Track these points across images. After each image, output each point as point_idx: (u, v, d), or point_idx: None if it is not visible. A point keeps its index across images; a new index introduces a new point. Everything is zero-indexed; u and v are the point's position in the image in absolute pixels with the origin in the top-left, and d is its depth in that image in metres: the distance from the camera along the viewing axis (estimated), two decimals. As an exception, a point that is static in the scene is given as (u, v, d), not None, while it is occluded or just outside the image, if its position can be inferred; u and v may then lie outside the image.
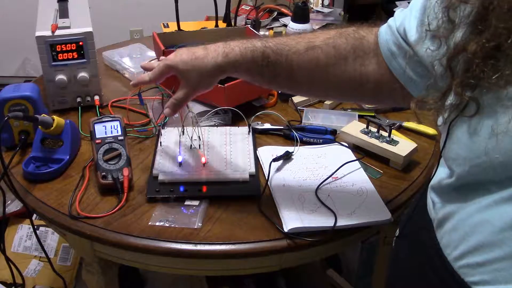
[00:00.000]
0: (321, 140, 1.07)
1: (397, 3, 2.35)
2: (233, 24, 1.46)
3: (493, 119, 0.48)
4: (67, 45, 1.10)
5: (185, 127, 1.06)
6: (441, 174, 0.60)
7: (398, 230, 0.75)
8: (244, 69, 0.78)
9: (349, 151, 1.03)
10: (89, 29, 1.12)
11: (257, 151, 1.03)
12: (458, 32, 0.52)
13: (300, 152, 1.03)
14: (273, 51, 0.76)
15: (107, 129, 0.98)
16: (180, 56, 0.81)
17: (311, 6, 1.71)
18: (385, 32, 0.70)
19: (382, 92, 0.74)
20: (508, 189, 0.48)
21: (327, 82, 0.76)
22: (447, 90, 0.53)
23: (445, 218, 0.57)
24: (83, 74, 1.14)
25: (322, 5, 1.72)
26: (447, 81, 0.53)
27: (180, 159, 0.98)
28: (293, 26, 1.26)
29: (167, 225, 0.85)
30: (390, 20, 0.70)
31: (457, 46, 0.51)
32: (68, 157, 0.99)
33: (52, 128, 0.97)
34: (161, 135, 1.06)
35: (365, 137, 1.03)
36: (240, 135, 1.07)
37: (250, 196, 0.91)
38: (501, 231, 0.49)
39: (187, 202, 0.90)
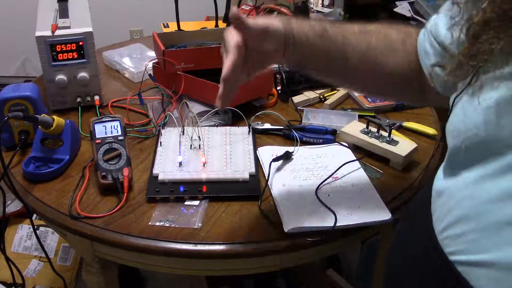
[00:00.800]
0: (321, 140, 1.07)
1: (397, 3, 2.36)
2: (233, 24, 1.45)
3: (485, 94, 0.50)
4: (67, 45, 1.11)
5: (185, 127, 1.06)
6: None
7: (399, 223, 0.75)
8: (303, 35, 0.75)
9: (349, 151, 1.03)
10: (89, 29, 1.12)
11: (257, 151, 1.03)
12: (471, 2, 0.53)
13: (300, 152, 1.03)
14: (330, 26, 0.76)
15: (107, 129, 0.98)
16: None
17: (311, 6, 1.71)
18: (422, 33, 0.72)
19: (420, 92, 0.76)
20: (491, 165, 0.51)
21: (377, 70, 0.77)
22: (459, 63, 0.55)
23: (438, 195, 0.60)
24: (83, 74, 1.14)
25: (322, 5, 1.73)
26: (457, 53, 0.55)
27: (180, 159, 0.98)
28: (293, 26, 1.26)
29: (167, 225, 0.85)
30: (427, 22, 0.72)
31: (469, 16, 0.53)
32: (68, 157, 0.99)
33: (52, 128, 0.97)
34: (161, 135, 1.06)
35: (365, 137, 1.03)
36: (240, 135, 1.07)
37: (250, 196, 0.91)
38: (481, 204, 0.51)
39: (187, 202, 0.90)
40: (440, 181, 0.61)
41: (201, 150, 1.01)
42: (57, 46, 1.10)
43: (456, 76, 0.55)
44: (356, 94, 1.23)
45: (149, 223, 0.85)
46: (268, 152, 1.02)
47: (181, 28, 1.39)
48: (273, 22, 0.74)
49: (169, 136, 1.06)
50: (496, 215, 0.49)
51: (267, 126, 1.12)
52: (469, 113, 0.52)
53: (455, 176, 0.57)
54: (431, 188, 0.67)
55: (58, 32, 1.10)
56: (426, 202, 0.66)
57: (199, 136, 1.04)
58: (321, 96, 1.24)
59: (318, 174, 0.96)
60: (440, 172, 0.63)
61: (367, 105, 1.19)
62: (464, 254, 0.53)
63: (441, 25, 0.67)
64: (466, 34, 0.53)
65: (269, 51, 0.75)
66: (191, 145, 1.03)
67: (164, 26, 1.53)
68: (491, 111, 0.49)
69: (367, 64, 0.76)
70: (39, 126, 0.98)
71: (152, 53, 1.43)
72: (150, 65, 1.25)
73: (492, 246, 0.50)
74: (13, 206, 1.61)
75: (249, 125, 1.08)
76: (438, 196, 0.60)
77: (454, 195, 0.56)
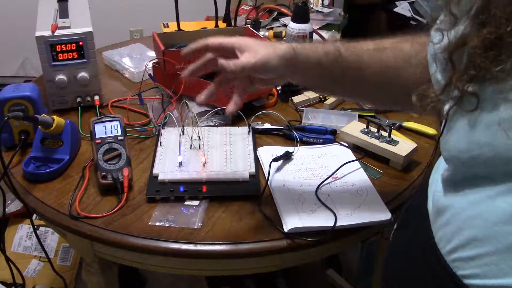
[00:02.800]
0: (321, 140, 1.07)
1: (397, 3, 2.36)
2: (233, 24, 1.46)
3: (492, 113, 0.48)
4: (67, 45, 1.10)
5: (185, 127, 1.06)
6: (442, 166, 0.61)
7: (396, 224, 0.75)
8: (314, 61, 0.74)
9: (349, 151, 1.03)
10: (89, 29, 1.12)
11: (257, 151, 1.03)
12: (460, 26, 0.52)
13: (300, 152, 1.03)
14: (344, 47, 0.74)
15: (107, 129, 0.98)
16: (245, 38, 0.77)
17: (311, 6, 1.70)
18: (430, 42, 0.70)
19: None
20: (501, 184, 0.49)
21: (395, 86, 0.75)
22: (448, 84, 0.53)
23: (441, 211, 0.58)
24: (83, 74, 1.14)
25: (322, 5, 1.72)
26: (448, 75, 0.54)
27: (180, 159, 0.98)
28: (293, 26, 1.26)
29: (167, 225, 0.85)
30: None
31: (459, 40, 0.52)
32: (68, 157, 0.99)
33: (52, 128, 0.97)
34: (161, 135, 1.06)
35: (365, 137, 1.03)
36: (240, 135, 1.07)
37: (250, 196, 0.91)
38: (493, 226, 0.49)
39: (187, 202, 0.90)
40: (440, 196, 0.59)
41: (201, 150, 1.01)
42: (57, 46, 1.10)
43: (446, 97, 0.54)
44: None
45: (149, 223, 0.85)
46: (268, 152, 1.02)
47: (181, 28, 1.39)
48: (272, 56, 0.73)
49: (169, 136, 1.06)
50: None
51: (267, 126, 1.12)
52: (472, 130, 0.50)
53: (458, 193, 0.55)
54: (425, 187, 0.66)
55: (58, 32, 1.10)
56: (421, 201, 0.66)
57: (199, 136, 1.04)
58: (321, 96, 1.24)
59: (318, 174, 0.96)
60: (437, 186, 0.61)
61: (367, 105, 1.19)
62: (481, 279, 0.51)
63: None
64: (457, 60, 0.52)
65: (271, 78, 0.77)
66: (191, 145, 1.03)
67: (164, 26, 1.53)
68: (499, 129, 0.47)
69: (382, 81, 0.75)
70: (39, 126, 0.98)
71: (152, 53, 1.43)
72: (150, 65, 1.25)
73: None
74: (13, 206, 1.61)
75: (249, 125, 1.08)
76: (440, 214, 0.58)
77: (460, 214, 0.54)
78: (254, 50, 0.74)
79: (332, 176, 0.96)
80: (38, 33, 1.09)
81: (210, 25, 1.50)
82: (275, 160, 0.99)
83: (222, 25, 1.48)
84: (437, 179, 0.63)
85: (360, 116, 1.15)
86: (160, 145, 1.03)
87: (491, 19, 0.47)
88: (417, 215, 0.65)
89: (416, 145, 1.01)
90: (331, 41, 0.76)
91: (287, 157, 1.00)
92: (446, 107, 0.56)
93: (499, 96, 0.48)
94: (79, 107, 1.15)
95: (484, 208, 0.50)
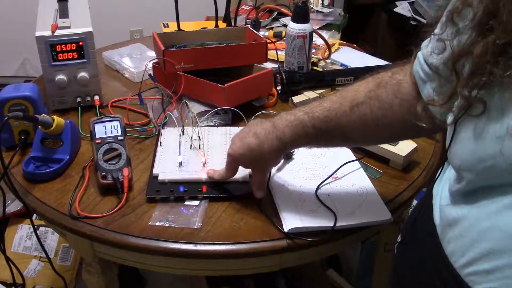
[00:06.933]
0: (321, 140, 1.06)
1: (397, 3, 2.36)
2: (233, 24, 1.46)
3: (501, 121, 0.47)
4: (67, 45, 1.11)
5: (185, 127, 1.06)
6: (450, 176, 0.60)
7: (400, 236, 0.74)
8: (300, 144, 0.82)
9: (349, 151, 1.03)
10: (89, 29, 1.12)
11: (257, 151, 1.03)
12: (463, 35, 0.52)
13: (300, 152, 1.02)
14: (322, 121, 0.76)
15: (107, 129, 0.98)
16: (238, 149, 0.84)
17: (311, 6, 1.71)
18: (415, 63, 0.68)
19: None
20: None
21: (381, 133, 0.77)
22: (453, 93, 0.53)
23: (452, 223, 0.56)
24: (83, 74, 1.14)
25: (322, 5, 1.72)
26: (452, 84, 0.53)
27: (180, 159, 0.98)
28: (293, 26, 1.26)
29: (167, 225, 0.85)
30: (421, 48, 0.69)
31: (462, 49, 0.51)
32: (68, 157, 0.99)
33: (52, 128, 0.97)
34: (161, 135, 1.06)
35: (365, 137, 1.03)
36: (240, 135, 1.07)
37: (250, 196, 0.91)
38: (510, 237, 0.48)
39: (187, 202, 0.90)
40: (449, 208, 0.58)
41: (201, 150, 1.01)
42: (57, 46, 1.10)
43: (452, 107, 0.53)
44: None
45: (149, 223, 0.85)
46: (268, 152, 1.02)
47: (181, 28, 1.40)
48: (271, 161, 0.86)
49: (169, 136, 1.06)
50: None
51: (267, 126, 1.11)
52: (482, 140, 0.49)
53: (472, 204, 0.53)
54: (429, 200, 0.65)
55: (58, 32, 1.10)
56: (427, 214, 0.65)
57: (199, 136, 1.04)
58: (321, 96, 1.24)
59: (318, 174, 0.96)
60: (445, 197, 0.60)
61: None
62: None
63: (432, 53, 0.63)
64: (461, 69, 0.51)
65: None
66: (191, 145, 1.03)
67: (164, 26, 1.53)
68: (509, 136, 0.46)
69: (371, 132, 0.77)
70: (39, 126, 0.98)
71: (152, 53, 1.43)
72: (150, 65, 1.25)
73: None
74: (13, 206, 1.61)
75: (249, 125, 1.08)
76: (451, 225, 0.56)
77: (475, 226, 0.52)
78: (252, 167, 0.89)
79: (332, 176, 0.95)
80: (38, 33, 1.09)
81: (210, 25, 1.50)
82: (275, 160, 0.98)
83: (222, 25, 1.48)
84: (443, 190, 0.61)
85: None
86: (160, 145, 1.03)
87: (499, 25, 0.46)
88: (424, 228, 0.64)
89: (416, 145, 1.01)
90: (308, 113, 0.79)
91: (287, 157, 1.00)
92: (450, 118, 0.55)
93: (507, 102, 0.47)
94: (79, 107, 1.15)
95: (501, 218, 0.49)
